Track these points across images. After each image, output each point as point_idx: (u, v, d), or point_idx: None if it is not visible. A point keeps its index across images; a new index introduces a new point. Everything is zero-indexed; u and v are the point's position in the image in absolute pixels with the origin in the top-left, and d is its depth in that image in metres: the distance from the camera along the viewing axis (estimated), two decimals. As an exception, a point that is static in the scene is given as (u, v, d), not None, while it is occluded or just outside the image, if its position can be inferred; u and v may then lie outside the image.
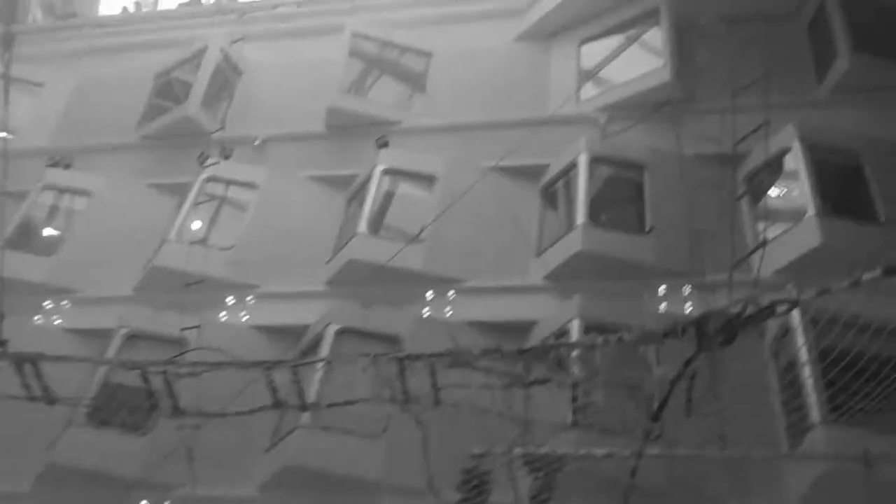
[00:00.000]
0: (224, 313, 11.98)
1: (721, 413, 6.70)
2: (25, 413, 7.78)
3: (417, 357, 6.28)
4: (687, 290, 10.35)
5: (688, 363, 4.66)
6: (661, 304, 10.58)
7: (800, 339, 8.84)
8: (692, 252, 10.28)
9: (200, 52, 15.54)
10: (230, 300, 12.05)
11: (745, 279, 8.53)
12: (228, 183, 13.58)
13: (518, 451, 7.00)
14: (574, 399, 8.11)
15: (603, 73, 13.84)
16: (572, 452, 7.40)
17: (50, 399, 7.22)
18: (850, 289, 4.17)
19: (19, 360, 6.85)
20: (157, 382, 8.97)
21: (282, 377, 8.33)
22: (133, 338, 11.58)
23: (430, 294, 11.38)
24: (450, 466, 7.33)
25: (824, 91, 12.23)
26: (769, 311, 4.42)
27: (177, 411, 8.76)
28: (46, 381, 7.10)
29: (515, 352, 5.45)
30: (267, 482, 10.01)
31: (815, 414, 8.48)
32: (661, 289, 10.59)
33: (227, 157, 13.63)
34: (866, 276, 4.04)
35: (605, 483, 7.32)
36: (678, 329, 4.58)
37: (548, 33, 14.49)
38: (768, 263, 9.26)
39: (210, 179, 13.51)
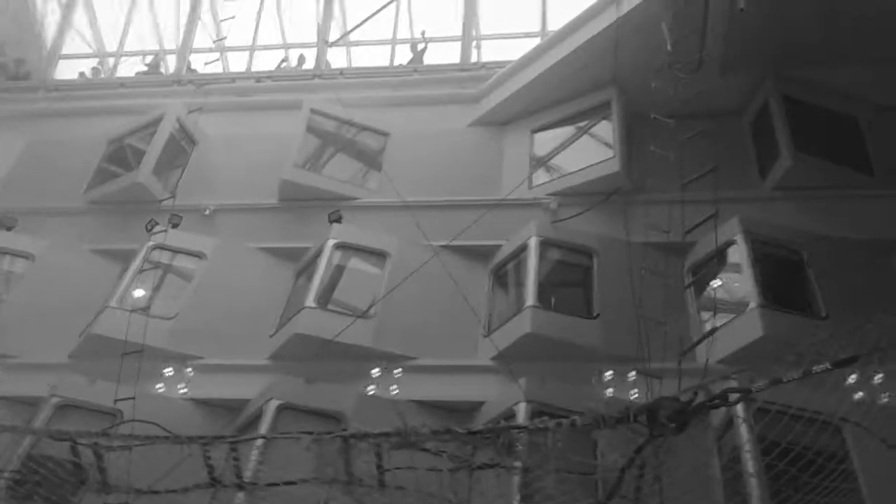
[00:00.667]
0: (161, 385, 11.60)
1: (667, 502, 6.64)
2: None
3: (363, 436, 6.12)
4: (632, 376, 10.40)
5: (639, 450, 4.62)
6: (607, 389, 10.60)
7: (745, 431, 8.88)
8: (638, 338, 10.36)
9: (156, 121, 15.48)
10: (168, 371, 11.68)
11: (689, 367, 8.67)
12: (175, 251, 13.35)
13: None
14: (523, 485, 7.96)
15: (554, 161, 14.15)
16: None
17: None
18: (800, 380, 4.22)
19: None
20: (86, 455, 8.59)
21: (218, 454, 8.04)
22: (64, 407, 11.10)
23: (375, 371, 11.21)
24: (390, 552, 7.06)
25: (767, 188, 12.71)
26: (722, 399, 4.43)
27: (105, 486, 8.37)
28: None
29: (466, 433, 5.35)
30: (197, 565, 9.52)
31: (758, 507, 8.46)
32: (608, 374, 10.62)
33: (175, 226, 13.42)
34: (816, 369, 4.09)
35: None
36: (630, 415, 4.56)
37: (501, 120, 14.82)
38: (711, 353, 9.38)
39: (156, 247, 13.26)
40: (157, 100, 16.22)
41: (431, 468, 5.87)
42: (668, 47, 10.85)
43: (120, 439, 8.31)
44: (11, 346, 12.26)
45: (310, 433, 6.76)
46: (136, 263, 13.04)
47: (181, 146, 15.39)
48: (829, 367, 4.10)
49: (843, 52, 12.70)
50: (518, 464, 6.22)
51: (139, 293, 12.74)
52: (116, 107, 16.49)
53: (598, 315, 11.37)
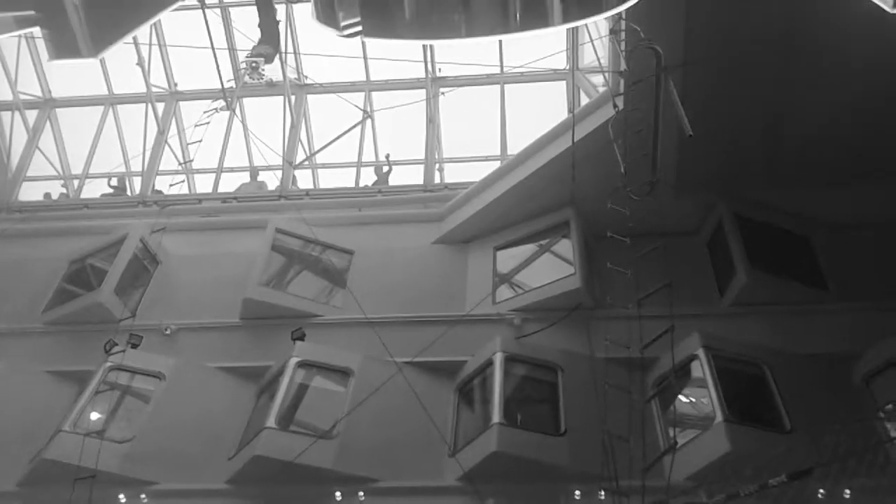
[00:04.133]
0: (113, 512, 11.15)
1: None
2: None
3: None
4: (601, 494, 10.23)
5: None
6: (576, 509, 10.42)
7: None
8: (605, 455, 10.27)
9: (119, 241, 15.48)
10: (122, 498, 11.25)
11: (656, 485, 8.63)
12: (133, 372, 13.08)
13: None
14: None
15: (517, 277, 14.36)
16: None
17: None
18: (757, 493, 4.22)
19: None
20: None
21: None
22: (9, 539, 10.61)
23: (338, 495, 10.90)
24: None
25: (725, 304, 12.99)
26: (682, 514, 4.40)
27: None
28: None
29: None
30: None
31: None
32: (577, 493, 10.45)
33: (134, 346, 13.21)
34: (772, 482, 4.11)
35: None
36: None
37: (464, 239, 15.10)
38: (680, 469, 9.35)
39: (114, 368, 13.00)
40: (122, 220, 16.26)
41: None
42: (622, 170, 11.28)
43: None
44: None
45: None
46: (93, 385, 12.75)
47: (144, 266, 15.35)
48: (786, 479, 4.12)
49: (790, 175, 13.25)
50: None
51: (94, 416, 12.39)
52: (80, 228, 16.50)
53: (565, 432, 11.27)
